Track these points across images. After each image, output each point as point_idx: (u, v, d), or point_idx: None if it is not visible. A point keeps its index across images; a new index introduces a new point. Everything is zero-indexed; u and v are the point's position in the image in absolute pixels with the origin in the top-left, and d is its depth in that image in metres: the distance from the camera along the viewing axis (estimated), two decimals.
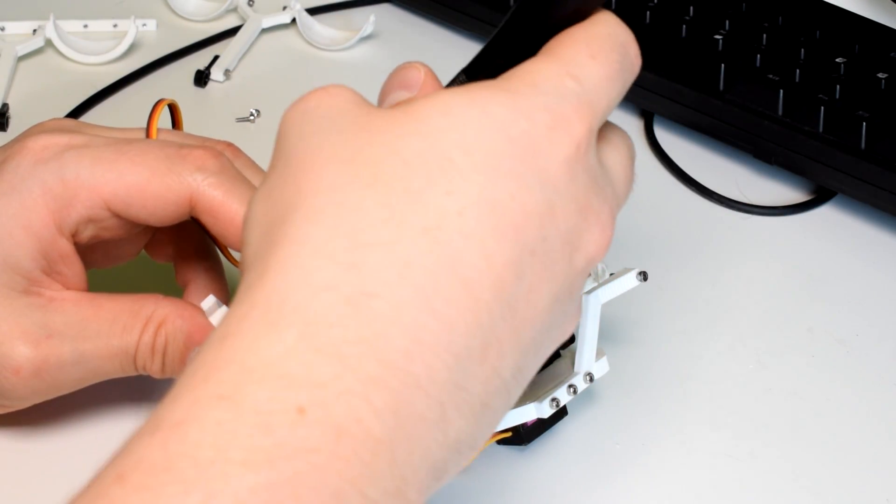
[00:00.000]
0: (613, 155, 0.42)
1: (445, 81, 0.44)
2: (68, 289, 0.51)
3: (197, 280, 0.55)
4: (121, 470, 0.32)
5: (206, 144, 0.53)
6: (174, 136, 0.54)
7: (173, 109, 0.57)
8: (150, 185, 0.50)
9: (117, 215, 0.50)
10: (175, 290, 0.54)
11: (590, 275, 0.57)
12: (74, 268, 0.51)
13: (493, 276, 0.37)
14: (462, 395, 0.36)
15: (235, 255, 0.54)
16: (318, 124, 0.38)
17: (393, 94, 0.42)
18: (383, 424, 0.34)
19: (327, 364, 0.34)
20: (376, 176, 0.36)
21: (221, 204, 0.50)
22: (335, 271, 0.35)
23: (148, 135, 0.53)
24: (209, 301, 0.51)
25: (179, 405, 0.33)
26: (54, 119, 0.54)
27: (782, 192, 0.72)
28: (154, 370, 0.51)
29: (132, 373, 0.52)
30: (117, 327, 0.50)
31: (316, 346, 0.34)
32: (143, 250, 0.56)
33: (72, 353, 0.50)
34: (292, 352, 0.34)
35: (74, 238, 0.51)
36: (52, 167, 0.50)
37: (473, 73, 0.43)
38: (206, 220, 0.51)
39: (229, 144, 0.54)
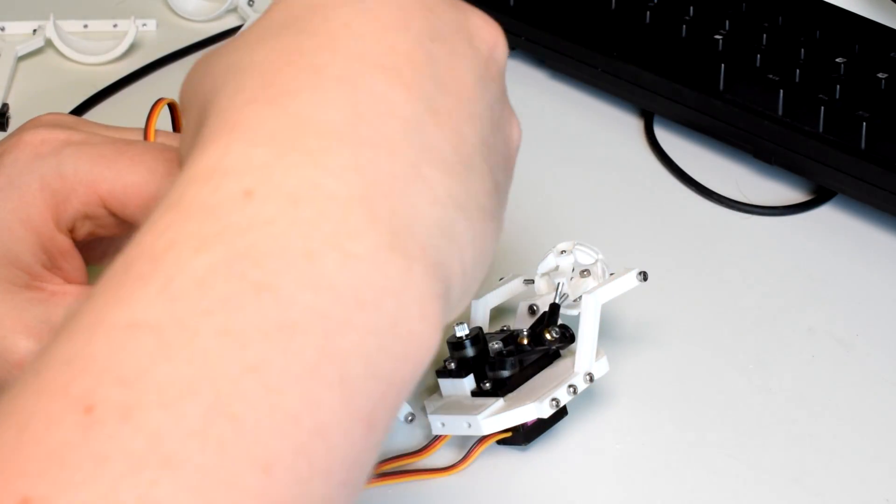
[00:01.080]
0: None
1: None
2: (69, 283, 0.51)
3: None
4: (93, 292, 0.33)
5: None
6: (173, 140, 0.54)
7: (173, 109, 0.57)
8: (148, 186, 0.50)
9: (113, 214, 0.50)
10: None
11: (588, 273, 0.57)
12: (74, 262, 0.51)
13: (405, 58, 0.37)
14: (432, 153, 0.36)
15: None
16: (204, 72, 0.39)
17: None
18: (346, 183, 0.33)
19: (266, 150, 0.34)
20: (258, 45, 0.37)
21: None
22: (253, 93, 0.35)
23: (146, 135, 0.53)
24: None
25: (137, 230, 0.34)
26: (51, 113, 0.54)
27: (782, 192, 0.72)
28: None
29: None
30: None
31: (249, 140, 0.34)
32: None
33: None
34: (227, 151, 0.34)
35: (72, 234, 0.51)
36: (50, 162, 0.50)
37: None
38: None
39: None
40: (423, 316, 0.33)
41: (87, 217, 0.50)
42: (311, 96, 0.35)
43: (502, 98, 0.41)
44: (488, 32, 0.41)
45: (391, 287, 0.33)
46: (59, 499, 0.29)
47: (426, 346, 0.34)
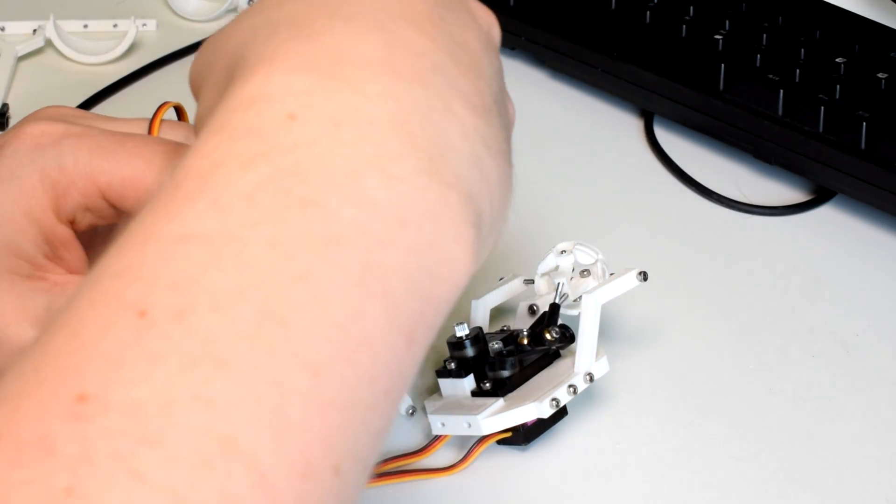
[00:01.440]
0: None
1: None
2: (71, 273, 0.51)
3: None
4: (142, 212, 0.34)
5: None
6: (179, 129, 0.54)
7: (179, 112, 0.57)
8: (146, 178, 0.50)
9: (113, 206, 0.51)
10: None
11: (588, 273, 0.57)
12: (76, 252, 0.51)
13: (425, 16, 0.38)
14: (458, 92, 0.37)
15: None
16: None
17: None
18: (385, 109, 0.35)
19: (306, 76, 0.35)
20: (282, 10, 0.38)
21: None
22: (288, 33, 0.36)
23: (150, 133, 0.53)
24: None
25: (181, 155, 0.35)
26: (52, 106, 0.54)
27: (782, 192, 0.72)
28: None
29: None
30: None
31: (290, 68, 0.35)
32: None
33: None
34: (268, 79, 0.35)
35: (73, 225, 0.51)
36: (50, 154, 0.50)
37: None
38: None
39: None
40: (459, 239, 0.35)
41: (87, 209, 0.51)
42: (345, 35, 0.36)
43: (501, 73, 0.42)
44: (486, 14, 0.42)
45: (430, 209, 0.34)
46: (115, 395, 0.29)
47: (462, 269, 0.35)
